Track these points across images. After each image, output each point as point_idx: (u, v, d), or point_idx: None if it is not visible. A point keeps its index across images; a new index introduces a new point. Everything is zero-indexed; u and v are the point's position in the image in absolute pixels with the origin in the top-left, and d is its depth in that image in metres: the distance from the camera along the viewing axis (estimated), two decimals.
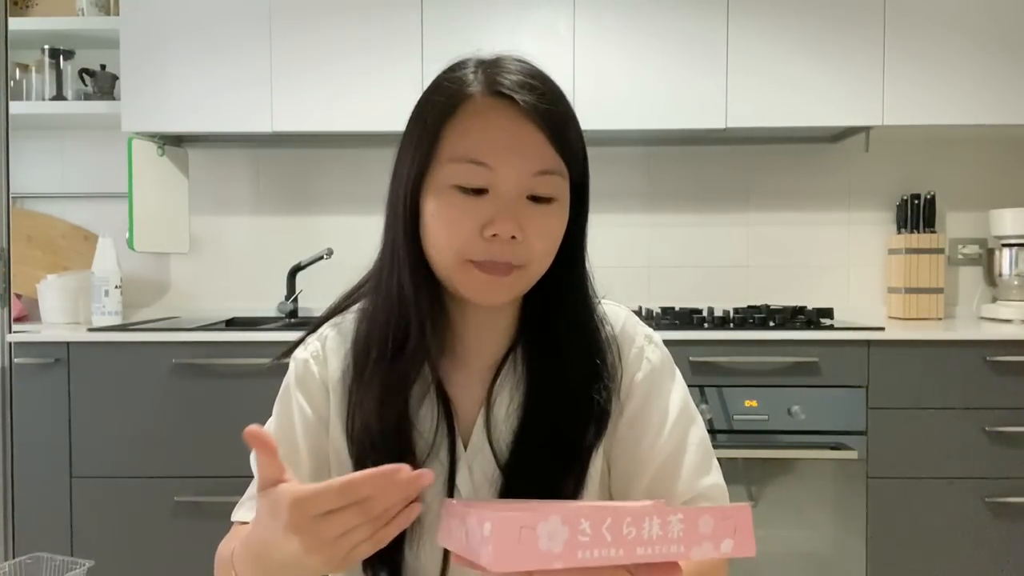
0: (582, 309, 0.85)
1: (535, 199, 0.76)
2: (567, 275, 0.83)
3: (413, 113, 0.81)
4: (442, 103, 0.77)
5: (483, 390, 0.84)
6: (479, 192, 0.75)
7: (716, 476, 0.88)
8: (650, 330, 0.91)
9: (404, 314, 0.81)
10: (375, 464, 0.80)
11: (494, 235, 0.75)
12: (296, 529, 0.59)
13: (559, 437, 0.81)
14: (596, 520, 0.55)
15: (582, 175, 0.82)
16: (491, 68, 0.78)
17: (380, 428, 0.80)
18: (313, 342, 0.89)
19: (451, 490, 0.81)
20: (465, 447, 0.83)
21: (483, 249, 0.75)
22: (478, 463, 0.83)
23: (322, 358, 0.87)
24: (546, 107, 0.76)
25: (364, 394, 0.82)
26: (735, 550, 0.59)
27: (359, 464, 0.80)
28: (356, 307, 0.89)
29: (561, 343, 0.82)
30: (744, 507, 0.60)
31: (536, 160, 0.76)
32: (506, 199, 0.75)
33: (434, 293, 0.81)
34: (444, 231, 0.76)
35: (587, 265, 0.86)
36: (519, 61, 0.80)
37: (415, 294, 0.80)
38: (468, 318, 0.85)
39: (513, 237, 0.75)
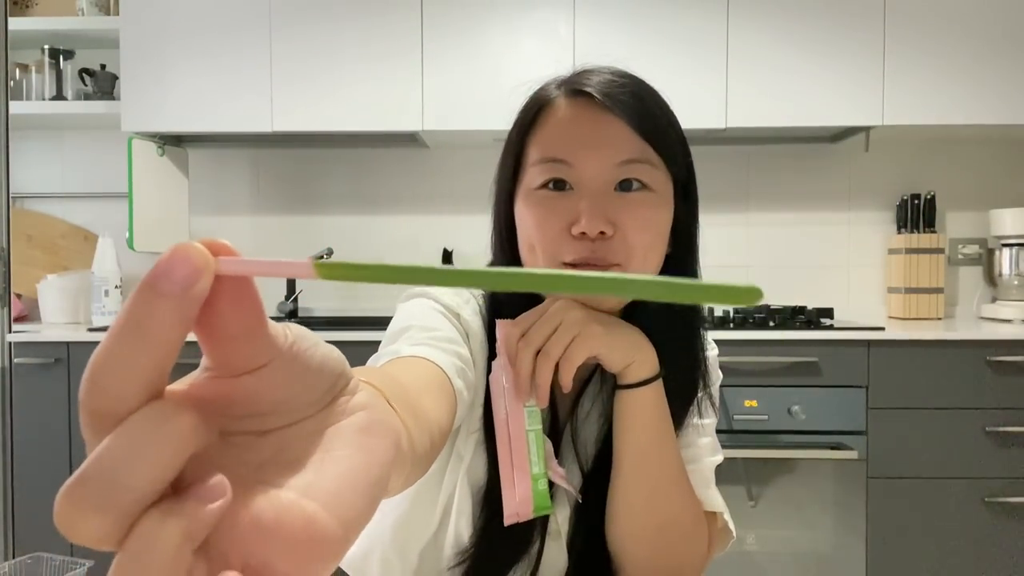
0: (687, 329, 0.77)
1: (626, 191, 0.72)
2: None
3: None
4: (526, 112, 0.77)
5: (570, 398, 0.82)
6: (563, 189, 0.72)
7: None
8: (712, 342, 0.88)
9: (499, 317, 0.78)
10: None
11: (582, 233, 0.70)
12: None
13: None
14: None
15: (684, 173, 0.77)
16: (574, 75, 0.77)
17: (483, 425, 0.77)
18: (467, 303, 0.79)
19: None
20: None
21: (575, 249, 0.71)
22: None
23: (465, 319, 0.78)
24: (628, 99, 0.72)
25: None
26: None
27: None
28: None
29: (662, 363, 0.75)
30: None
31: (620, 149, 0.71)
32: (591, 194, 0.71)
33: (529, 300, 0.77)
34: (533, 233, 0.73)
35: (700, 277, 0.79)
36: (608, 68, 0.76)
37: (507, 300, 0.78)
38: None
39: (603, 233, 0.70)
